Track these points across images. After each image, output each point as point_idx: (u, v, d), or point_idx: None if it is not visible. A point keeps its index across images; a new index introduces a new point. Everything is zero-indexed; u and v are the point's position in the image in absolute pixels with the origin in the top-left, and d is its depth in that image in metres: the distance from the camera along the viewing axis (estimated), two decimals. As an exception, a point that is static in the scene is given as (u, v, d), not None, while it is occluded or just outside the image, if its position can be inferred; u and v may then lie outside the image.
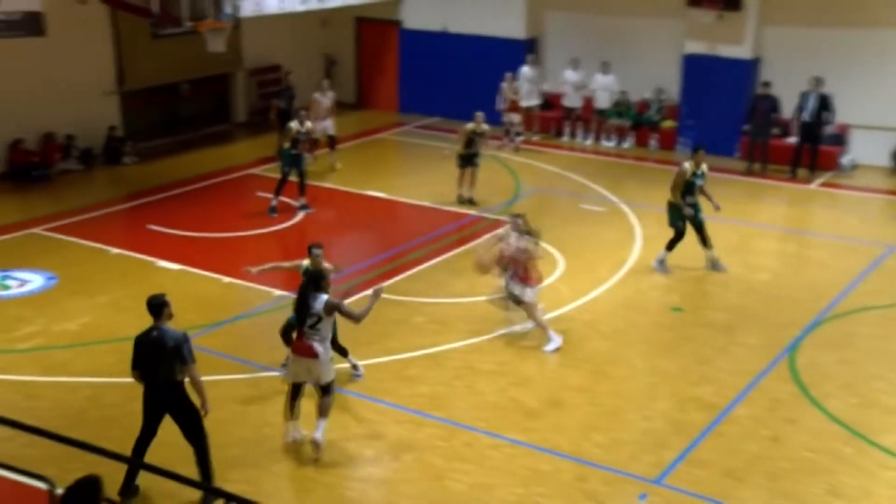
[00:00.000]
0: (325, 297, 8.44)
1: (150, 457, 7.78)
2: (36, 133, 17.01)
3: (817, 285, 12.62)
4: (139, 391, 9.43)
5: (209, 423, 8.56)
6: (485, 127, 15.36)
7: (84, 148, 17.62)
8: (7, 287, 12.09)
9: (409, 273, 12.85)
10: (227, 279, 12.51)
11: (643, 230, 14.60)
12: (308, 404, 8.74)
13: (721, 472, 8.42)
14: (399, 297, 11.97)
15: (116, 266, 12.95)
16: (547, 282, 12.54)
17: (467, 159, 15.40)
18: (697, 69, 18.73)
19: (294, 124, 14.98)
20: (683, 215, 12.74)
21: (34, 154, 16.87)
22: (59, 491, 6.50)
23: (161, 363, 7.65)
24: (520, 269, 10.67)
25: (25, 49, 15.42)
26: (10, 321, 11.16)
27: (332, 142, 17.86)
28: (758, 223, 15.23)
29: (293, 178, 15.06)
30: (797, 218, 16.10)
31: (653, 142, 19.39)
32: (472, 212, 15.31)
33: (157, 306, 7.78)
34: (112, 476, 7.46)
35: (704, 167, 12.88)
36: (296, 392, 8.66)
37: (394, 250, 13.84)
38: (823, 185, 17.18)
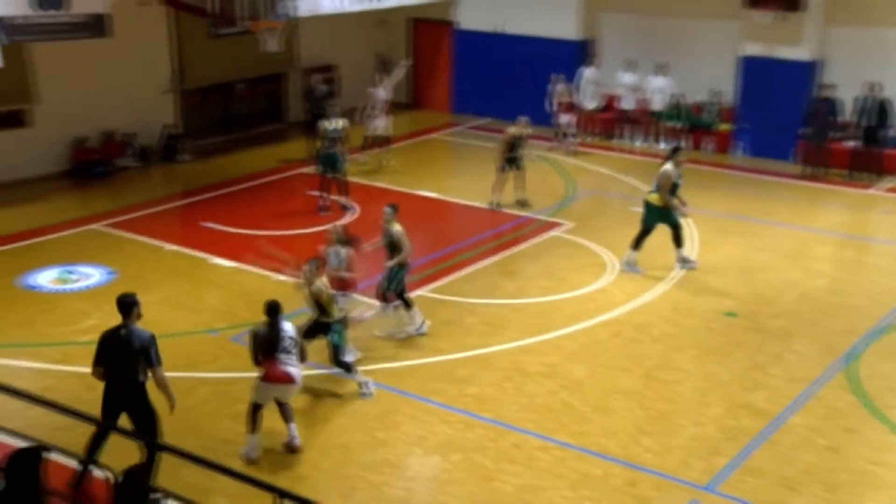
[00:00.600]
0: (288, 324, 8.53)
1: (201, 450, 7.87)
2: (98, 131, 17.35)
3: (878, 292, 12.34)
4: (188, 386, 9.63)
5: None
6: (527, 131, 15.26)
7: (142, 145, 17.95)
8: (69, 281, 12.36)
9: (460, 274, 12.85)
10: (278, 277, 12.60)
11: (696, 234, 14.41)
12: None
13: (775, 481, 8.28)
14: (450, 298, 11.98)
15: (171, 262, 13.14)
16: (598, 284, 12.48)
17: (510, 161, 15.31)
18: (754, 71, 18.44)
19: (325, 122, 15.05)
20: (673, 214, 12.80)
21: (96, 151, 17.22)
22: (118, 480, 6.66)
23: (127, 362, 7.59)
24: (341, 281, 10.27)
25: (89, 50, 15.73)
26: (72, 314, 11.39)
27: (385, 141, 17.71)
28: (816, 228, 14.94)
29: (331, 175, 15.09)
30: (857, 223, 15.74)
31: (707, 145, 19.14)
32: (524, 213, 15.25)
33: (127, 305, 7.73)
34: (164, 468, 7.59)
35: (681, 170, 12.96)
36: (260, 407, 8.55)
37: (445, 250, 13.85)
38: (889, 189, 16.76)
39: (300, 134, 18.72)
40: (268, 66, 19.61)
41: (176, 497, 6.95)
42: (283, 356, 8.38)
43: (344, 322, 9.65)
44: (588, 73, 19.35)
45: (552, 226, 14.74)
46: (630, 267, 12.85)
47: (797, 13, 17.73)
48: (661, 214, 12.82)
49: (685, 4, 19.18)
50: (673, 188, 12.76)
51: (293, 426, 8.62)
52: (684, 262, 13.03)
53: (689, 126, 19.19)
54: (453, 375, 10.08)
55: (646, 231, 12.91)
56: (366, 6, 18.37)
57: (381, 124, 17.51)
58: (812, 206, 16.08)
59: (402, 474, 8.39)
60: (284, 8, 15.28)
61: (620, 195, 16.43)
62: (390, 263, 10.78)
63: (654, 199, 12.81)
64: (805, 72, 18.11)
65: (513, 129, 15.26)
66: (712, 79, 19.05)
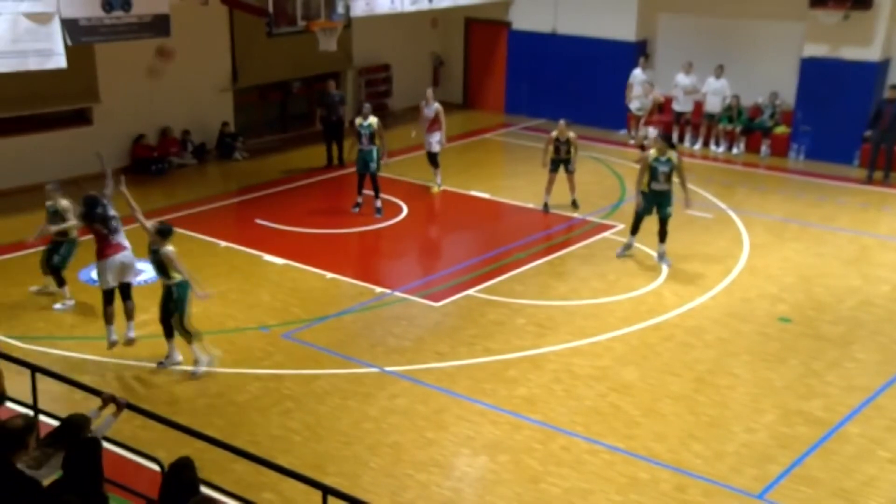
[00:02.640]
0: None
1: (251, 446, 7.96)
2: (155, 128, 17.65)
3: (942, 300, 12.04)
4: (239, 382, 9.77)
5: (307, 416, 8.73)
6: (570, 134, 14.97)
7: (198, 143, 18.21)
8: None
9: (511, 274, 12.81)
10: (330, 275, 12.71)
11: (751, 238, 14.21)
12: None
13: (832, 492, 8.10)
14: (500, 299, 11.95)
15: (225, 259, 13.30)
16: (650, 287, 12.36)
17: (557, 163, 15.15)
18: (817, 73, 18.09)
19: (358, 118, 15.14)
20: (665, 206, 12.95)
21: (153, 149, 17.53)
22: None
23: None
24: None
25: (149, 49, 15.96)
26: (127, 308, 11.58)
27: (432, 160, 16.44)
28: (879, 234, 14.61)
29: (365, 173, 15.11)
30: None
31: (764, 148, 18.86)
32: (575, 215, 15.17)
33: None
34: (215, 462, 7.69)
35: (674, 156, 12.86)
36: (110, 298, 10.16)
37: (496, 251, 13.82)
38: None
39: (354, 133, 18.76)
40: (323, 65, 19.77)
41: (225, 492, 7.03)
42: (113, 235, 10.29)
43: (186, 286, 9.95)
44: (637, 73, 19.17)
45: (605, 228, 14.63)
46: (625, 250, 13.31)
47: (866, 12, 17.30)
48: (650, 201, 13.01)
49: (746, 5, 18.90)
50: (654, 173, 12.89)
51: (132, 322, 10.38)
52: (661, 257, 13.16)
53: (745, 128, 18.92)
54: (502, 376, 10.06)
55: (640, 218, 13.20)
56: (421, 6, 18.41)
57: (430, 140, 16.31)
58: (876, 212, 15.72)
59: (450, 474, 8.39)
60: (340, 7, 15.40)
61: (674, 198, 16.20)
62: None
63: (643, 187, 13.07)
64: (872, 72, 17.70)
65: (553, 133, 15.14)
66: (771, 81, 18.76)
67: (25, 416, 6.30)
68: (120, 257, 10.31)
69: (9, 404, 7.61)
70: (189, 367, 10.03)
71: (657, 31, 20.41)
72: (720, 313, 11.66)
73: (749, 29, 19.02)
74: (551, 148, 15.12)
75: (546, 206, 15.34)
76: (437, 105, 16.17)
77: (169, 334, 10.11)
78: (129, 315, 10.47)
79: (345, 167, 17.60)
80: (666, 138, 13.59)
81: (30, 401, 7.81)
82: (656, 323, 11.31)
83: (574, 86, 20.68)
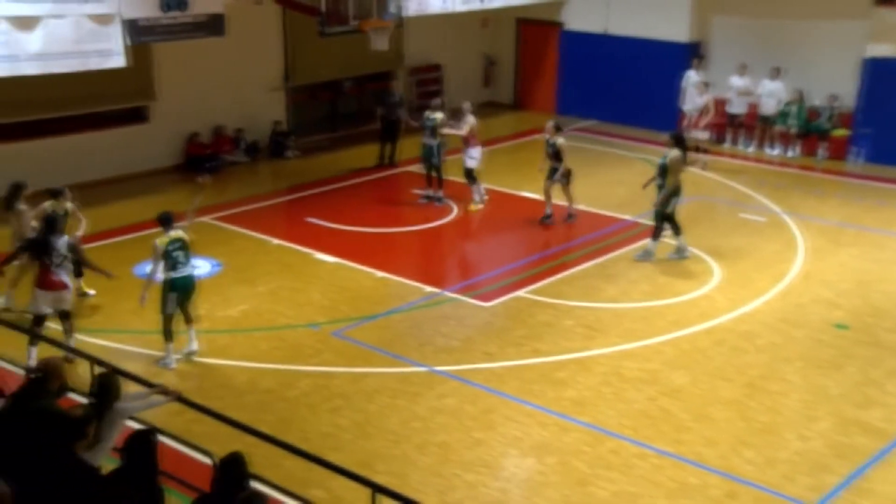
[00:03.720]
0: (65, 237, 9.99)
1: (301, 442, 8.03)
2: (209, 126, 17.88)
3: None
4: (289, 379, 9.85)
5: (356, 414, 8.77)
6: (558, 139, 14.37)
7: (250, 141, 18.41)
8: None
9: (560, 276, 12.76)
10: (380, 273, 12.77)
11: (806, 242, 13.98)
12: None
13: (891, 505, 7.96)
14: (549, 300, 11.91)
15: (276, 257, 13.42)
16: (701, 291, 12.23)
17: (552, 170, 14.47)
18: (881, 74, 17.66)
19: (427, 112, 15.31)
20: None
21: (207, 146, 17.75)
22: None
23: None
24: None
25: (203, 48, 16.22)
26: (181, 304, 11.74)
27: (468, 176, 15.37)
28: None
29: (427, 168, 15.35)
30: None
31: (821, 151, 18.53)
32: (626, 217, 15.05)
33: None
34: (266, 458, 7.77)
35: (670, 154, 12.99)
36: (40, 321, 9.89)
37: (546, 252, 13.78)
38: None
39: (405, 133, 18.81)
40: (374, 64, 19.87)
41: (276, 487, 7.10)
42: (56, 269, 9.86)
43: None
44: (690, 74, 18.88)
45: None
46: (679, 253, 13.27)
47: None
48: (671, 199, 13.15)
49: (805, 6, 18.54)
50: (662, 170, 13.02)
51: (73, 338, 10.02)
52: (646, 254, 13.29)
53: (801, 131, 18.61)
54: (551, 378, 10.03)
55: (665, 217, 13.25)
56: (473, 6, 18.41)
57: (464, 156, 15.29)
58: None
59: (498, 475, 8.39)
60: (393, 7, 15.46)
61: (726, 201, 16.05)
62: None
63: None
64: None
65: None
66: (830, 82, 18.37)
67: (85, 407, 6.45)
68: (58, 294, 10.03)
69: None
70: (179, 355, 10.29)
71: (711, 32, 20.16)
72: (773, 318, 11.49)
73: (808, 30, 18.65)
74: (544, 154, 14.64)
75: (546, 216, 14.66)
76: (471, 119, 15.02)
77: (188, 320, 10.29)
78: (68, 331, 10.23)
79: (395, 167, 17.69)
80: (674, 137, 13.34)
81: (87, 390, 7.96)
82: (707, 327, 11.19)
83: (625, 87, 20.52)
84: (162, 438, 7.66)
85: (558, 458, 8.55)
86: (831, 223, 14.89)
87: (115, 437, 6.69)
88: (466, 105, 15.42)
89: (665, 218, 13.19)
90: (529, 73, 22.73)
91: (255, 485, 6.84)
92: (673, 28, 19.98)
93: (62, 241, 10.00)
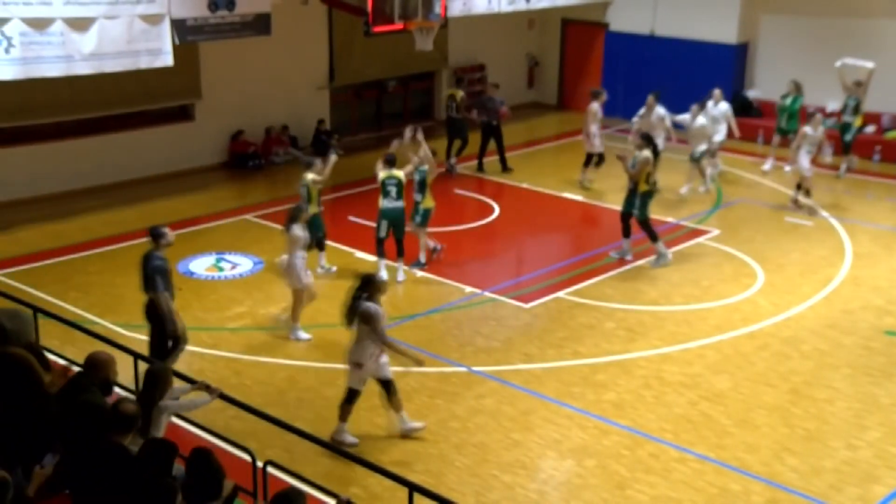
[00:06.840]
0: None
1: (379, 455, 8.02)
2: (253, 125, 18.04)
3: None
4: (329, 376, 9.90)
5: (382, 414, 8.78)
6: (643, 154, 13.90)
7: (295, 140, 18.52)
8: (222, 269, 12.90)
9: (601, 278, 12.68)
10: (420, 273, 12.78)
11: (854, 247, 13.74)
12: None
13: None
14: (591, 302, 11.84)
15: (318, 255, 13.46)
16: (745, 295, 12.07)
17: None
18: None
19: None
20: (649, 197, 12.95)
21: (251, 144, 17.91)
22: (259, 464, 6.94)
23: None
24: None
25: (249, 47, 16.37)
26: (224, 301, 11.86)
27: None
28: None
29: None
30: None
31: (875, 155, 18.15)
32: (670, 219, 14.91)
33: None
34: (304, 455, 7.82)
35: (640, 156, 12.86)
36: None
37: (588, 254, 13.70)
38: None
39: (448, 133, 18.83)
40: (419, 64, 19.91)
41: (314, 484, 7.13)
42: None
43: None
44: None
45: (699, 233, 14.36)
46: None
47: None
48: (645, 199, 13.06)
49: (865, 3, 18.09)
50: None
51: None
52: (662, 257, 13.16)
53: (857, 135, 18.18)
54: (591, 380, 9.96)
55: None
56: (518, 6, 18.35)
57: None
58: None
59: (536, 476, 8.35)
60: (438, 7, 15.47)
61: (772, 204, 15.83)
62: None
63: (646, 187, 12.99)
64: None
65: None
66: (889, 84, 17.79)
67: (136, 402, 6.53)
68: None
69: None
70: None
71: (759, 32, 19.89)
72: (819, 324, 11.31)
73: (865, 29, 18.13)
74: None
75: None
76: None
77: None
78: None
79: (509, 171, 17.46)
80: (644, 138, 13.19)
81: (132, 386, 8.08)
82: (751, 332, 11.04)
83: (672, 89, 20.28)
84: (202, 434, 7.77)
85: (597, 461, 8.49)
86: (883, 228, 14.61)
87: (161, 433, 6.78)
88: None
89: (642, 222, 12.98)
90: (574, 73, 22.62)
91: (294, 482, 6.91)
92: (720, 29, 19.74)
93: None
